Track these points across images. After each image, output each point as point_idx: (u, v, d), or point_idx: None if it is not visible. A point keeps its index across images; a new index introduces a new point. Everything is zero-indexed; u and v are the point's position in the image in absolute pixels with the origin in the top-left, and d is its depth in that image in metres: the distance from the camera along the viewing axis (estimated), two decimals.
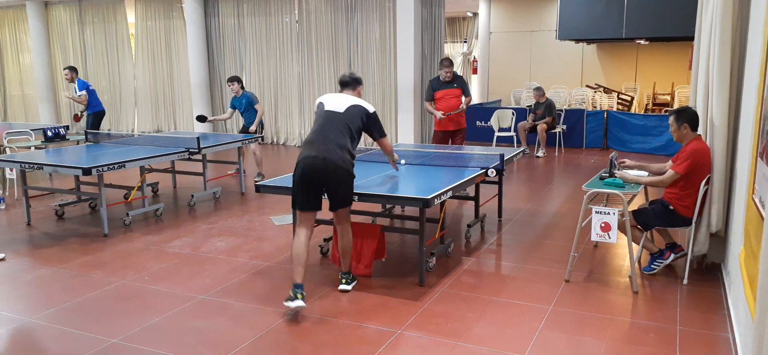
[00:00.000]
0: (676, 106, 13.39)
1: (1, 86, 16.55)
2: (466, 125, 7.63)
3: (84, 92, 9.71)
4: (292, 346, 3.60)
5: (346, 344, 3.62)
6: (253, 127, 8.27)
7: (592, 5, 12.68)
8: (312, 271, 4.87)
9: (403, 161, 5.39)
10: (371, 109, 4.35)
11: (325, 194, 4.22)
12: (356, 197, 4.34)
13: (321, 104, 4.33)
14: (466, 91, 7.51)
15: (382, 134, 4.45)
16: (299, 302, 3.95)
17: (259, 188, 4.73)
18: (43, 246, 5.68)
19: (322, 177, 4.12)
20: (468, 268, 4.93)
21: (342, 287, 4.40)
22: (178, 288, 4.51)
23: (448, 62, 7.53)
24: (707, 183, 4.42)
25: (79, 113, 10.08)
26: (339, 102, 4.28)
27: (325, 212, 5.91)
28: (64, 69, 10.04)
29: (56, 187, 8.18)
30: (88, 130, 8.95)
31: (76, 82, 9.79)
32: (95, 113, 9.93)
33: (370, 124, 4.33)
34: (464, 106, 7.43)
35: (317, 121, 4.28)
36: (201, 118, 8.65)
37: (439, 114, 7.38)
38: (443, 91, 7.44)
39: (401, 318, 3.94)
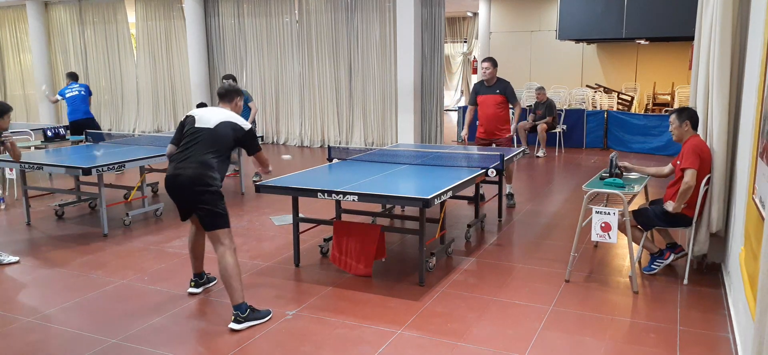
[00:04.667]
0: (676, 106, 13.38)
1: (2, 86, 16.55)
2: (508, 133, 6.83)
3: (57, 98, 9.52)
4: (292, 346, 3.60)
5: (346, 344, 3.62)
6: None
7: (592, 5, 12.67)
8: (311, 271, 4.87)
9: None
10: (248, 125, 4.13)
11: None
12: (227, 218, 3.95)
13: (191, 119, 4.07)
14: (511, 98, 6.75)
15: (258, 150, 4.22)
16: (192, 289, 4.42)
17: (258, 189, 4.72)
18: (43, 246, 5.68)
19: (180, 194, 3.97)
20: (468, 268, 4.93)
21: (231, 325, 3.84)
22: (178, 288, 4.51)
23: (487, 61, 6.72)
24: (707, 183, 4.41)
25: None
26: (210, 117, 4.03)
27: (324, 212, 5.92)
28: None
29: (56, 187, 8.18)
30: (90, 131, 8.72)
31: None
32: (72, 122, 9.20)
33: (245, 142, 4.12)
34: (515, 123, 6.77)
35: (184, 138, 4.03)
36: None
37: (463, 133, 7.02)
38: (484, 96, 6.76)
39: (401, 318, 3.94)
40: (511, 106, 6.89)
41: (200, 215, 3.97)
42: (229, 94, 4.23)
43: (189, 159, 3.92)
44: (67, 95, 9.27)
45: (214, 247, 3.95)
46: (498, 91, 6.72)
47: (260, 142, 4.32)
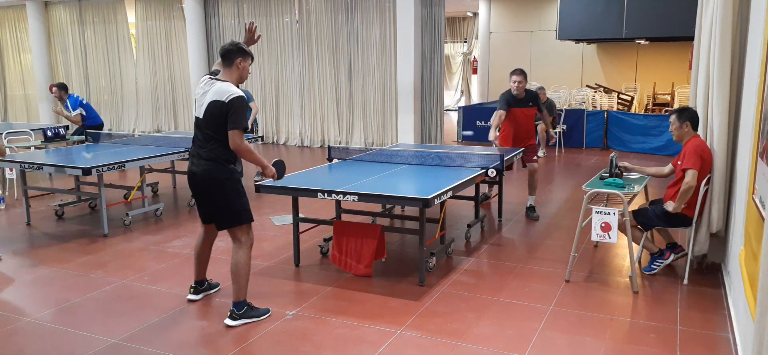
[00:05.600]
0: (676, 106, 13.39)
1: (2, 86, 16.55)
2: (534, 141, 6.64)
3: (79, 111, 8.83)
4: (292, 346, 3.60)
5: (346, 344, 3.62)
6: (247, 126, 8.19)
7: (592, 5, 12.68)
8: (311, 271, 4.87)
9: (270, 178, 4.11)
10: (230, 95, 3.64)
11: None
12: (245, 215, 3.88)
13: (195, 100, 3.86)
14: (541, 109, 6.65)
15: (235, 126, 3.65)
16: (191, 296, 4.29)
17: (258, 188, 4.72)
18: (43, 246, 5.67)
19: (197, 193, 3.91)
20: (468, 268, 4.93)
21: (226, 320, 3.87)
22: (178, 288, 4.50)
23: (518, 72, 6.29)
24: (707, 183, 4.41)
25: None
26: (202, 99, 3.75)
27: (324, 212, 5.92)
28: (52, 86, 9.10)
29: (56, 187, 8.17)
30: (90, 132, 8.75)
31: (68, 100, 8.85)
32: (94, 126, 9.19)
33: (227, 113, 3.65)
34: (551, 133, 6.63)
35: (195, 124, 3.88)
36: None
37: (492, 136, 6.22)
38: (517, 109, 6.36)
39: (401, 318, 3.94)
40: (540, 114, 6.78)
41: (215, 216, 3.93)
42: (228, 54, 3.78)
43: (196, 154, 3.85)
44: (84, 102, 9.10)
45: (232, 239, 3.91)
46: (530, 104, 6.44)
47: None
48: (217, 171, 3.78)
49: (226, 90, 3.68)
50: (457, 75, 22.10)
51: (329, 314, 4.02)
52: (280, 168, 4.15)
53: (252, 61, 3.93)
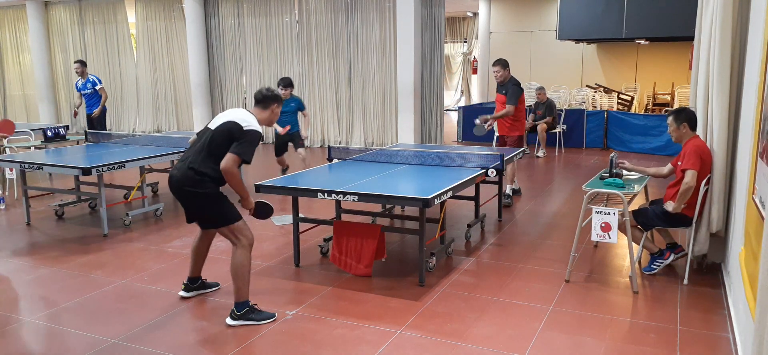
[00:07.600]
0: (676, 106, 13.40)
1: (1, 86, 16.54)
2: (515, 134, 7.04)
3: (103, 85, 9.99)
4: (292, 346, 3.60)
5: (346, 344, 3.62)
6: (303, 132, 7.81)
7: (592, 5, 12.68)
8: (311, 271, 4.87)
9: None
10: (247, 124, 3.74)
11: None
12: (232, 214, 3.88)
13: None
14: (510, 99, 6.84)
15: (238, 153, 3.67)
16: (182, 292, 4.32)
17: (258, 189, 4.72)
18: (43, 246, 5.68)
19: (176, 196, 3.91)
20: (468, 268, 4.93)
21: (227, 319, 3.90)
22: (178, 288, 4.50)
23: (498, 62, 6.90)
24: (707, 183, 4.41)
25: (76, 110, 10.42)
26: (223, 116, 3.86)
27: (324, 212, 5.92)
28: (75, 62, 10.14)
29: (56, 187, 8.17)
30: (90, 131, 8.80)
31: (89, 76, 9.92)
32: (103, 112, 10.09)
33: (236, 138, 3.71)
34: (492, 119, 6.80)
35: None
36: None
37: (477, 121, 7.11)
38: (497, 94, 7.10)
39: (401, 318, 3.94)
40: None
41: (202, 221, 3.96)
42: (266, 100, 3.93)
43: (184, 160, 3.88)
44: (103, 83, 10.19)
45: (231, 242, 3.92)
46: (504, 91, 6.93)
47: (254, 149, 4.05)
48: (196, 185, 3.78)
49: (248, 119, 3.79)
50: (457, 75, 22.10)
51: (329, 314, 4.02)
52: (262, 210, 4.14)
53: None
